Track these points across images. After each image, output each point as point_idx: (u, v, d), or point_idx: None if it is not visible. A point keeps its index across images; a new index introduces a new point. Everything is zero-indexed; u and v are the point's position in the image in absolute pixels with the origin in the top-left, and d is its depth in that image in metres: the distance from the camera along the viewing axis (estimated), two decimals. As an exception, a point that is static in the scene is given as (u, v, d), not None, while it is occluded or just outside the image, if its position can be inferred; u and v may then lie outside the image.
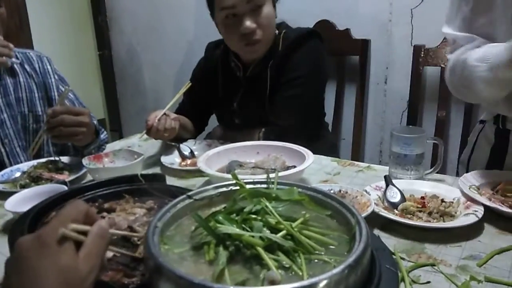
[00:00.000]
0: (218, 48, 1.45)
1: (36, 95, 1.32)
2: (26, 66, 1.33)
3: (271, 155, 1.12)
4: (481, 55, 0.87)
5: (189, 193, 0.64)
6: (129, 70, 2.54)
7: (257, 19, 1.21)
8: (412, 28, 1.59)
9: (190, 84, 1.35)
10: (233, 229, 0.50)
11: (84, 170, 1.10)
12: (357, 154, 1.76)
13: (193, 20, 2.17)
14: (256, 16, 1.21)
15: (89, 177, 1.12)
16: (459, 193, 0.90)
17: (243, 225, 0.53)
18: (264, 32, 1.23)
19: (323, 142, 1.45)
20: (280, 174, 0.93)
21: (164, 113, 1.22)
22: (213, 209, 0.61)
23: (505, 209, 0.82)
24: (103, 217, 0.75)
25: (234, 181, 0.64)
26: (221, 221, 0.54)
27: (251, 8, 1.20)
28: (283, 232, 0.53)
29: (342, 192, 0.92)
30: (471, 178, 0.95)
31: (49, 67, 1.37)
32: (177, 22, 2.23)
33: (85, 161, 1.10)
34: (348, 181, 1.08)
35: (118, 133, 2.85)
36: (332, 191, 0.93)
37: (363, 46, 1.67)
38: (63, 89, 1.36)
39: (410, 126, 1.09)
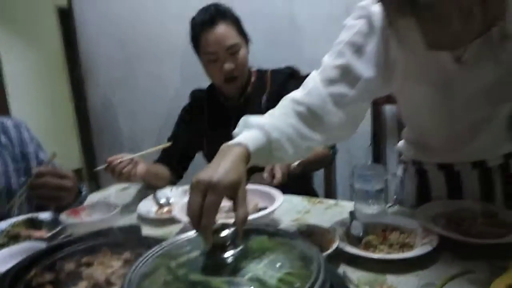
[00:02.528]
0: (202, 92, 1.61)
1: (11, 168, 1.31)
2: (2, 138, 1.32)
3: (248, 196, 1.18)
4: None
5: (163, 244, 0.69)
6: (106, 121, 2.59)
7: (235, 61, 1.44)
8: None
9: (169, 144, 1.44)
10: (201, 277, 0.55)
11: (62, 226, 1.12)
12: (329, 190, 1.83)
13: (168, 69, 2.27)
14: (234, 59, 1.43)
15: (68, 231, 1.14)
16: (417, 224, 0.97)
17: (213, 272, 0.58)
18: (241, 70, 1.46)
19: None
20: (252, 216, 1.00)
21: (132, 159, 1.30)
22: (187, 257, 0.66)
23: (458, 236, 0.90)
24: (82, 272, 0.79)
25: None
26: (192, 270, 0.58)
27: (230, 53, 1.42)
28: (250, 274, 0.58)
29: (309, 229, 0.98)
30: (427, 209, 1.03)
31: (26, 135, 1.36)
32: (152, 72, 2.32)
33: (63, 216, 1.13)
34: (317, 218, 1.14)
35: (95, 183, 2.85)
36: (300, 230, 0.99)
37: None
38: (42, 156, 1.37)
39: (370, 163, 1.18)
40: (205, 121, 1.56)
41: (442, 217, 1.00)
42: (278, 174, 1.23)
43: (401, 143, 1.19)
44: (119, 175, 1.29)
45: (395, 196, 1.12)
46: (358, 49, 0.90)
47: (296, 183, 1.49)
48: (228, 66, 1.43)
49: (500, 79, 0.88)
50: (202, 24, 1.42)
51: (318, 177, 1.83)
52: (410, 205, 1.15)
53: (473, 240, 0.87)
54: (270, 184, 1.22)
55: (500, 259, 0.82)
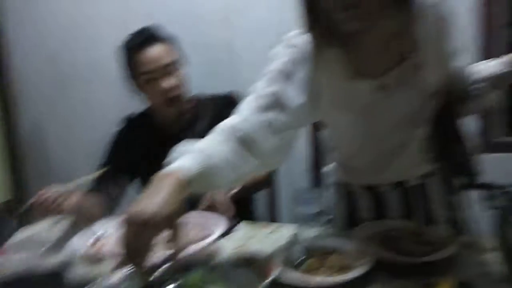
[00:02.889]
0: (135, 118, 1.53)
1: None
2: None
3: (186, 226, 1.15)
4: None
5: (94, 285, 0.65)
6: (36, 149, 2.44)
7: (174, 80, 1.42)
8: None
9: (105, 170, 1.37)
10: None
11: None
12: (273, 214, 1.84)
13: (102, 94, 2.19)
14: (173, 77, 1.41)
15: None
16: (353, 245, 1.00)
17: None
18: (181, 89, 1.44)
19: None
20: (193, 247, 0.97)
21: (64, 190, 1.22)
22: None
23: (391, 256, 0.93)
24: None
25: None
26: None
27: (168, 72, 1.40)
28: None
29: (252, 257, 0.98)
30: (363, 230, 1.07)
31: None
32: (85, 97, 2.23)
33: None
34: (261, 244, 1.14)
35: (25, 216, 2.65)
36: (242, 258, 0.98)
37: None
38: None
39: (310, 186, 1.21)
40: (140, 148, 1.50)
41: (376, 237, 1.04)
42: (224, 207, 1.22)
43: (330, 166, 1.24)
44: (50, 209, 1.20)
45: (330, 218, 1.16)
46: (288, 77, 0.94)
47: (240, 209, 1.49)
48: (166, 83, 1.39)
49: (415, 105, 0.96)
50: (137, 44, 1.40)
51: (262, 202, 1.84)
52: (341, 226, 1.19)
53: (404, 259, 0.92)
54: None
55: (431, 276, 0.87)
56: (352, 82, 0.93)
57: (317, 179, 1.68)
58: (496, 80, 0.96)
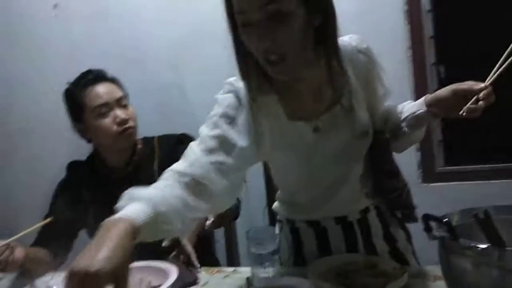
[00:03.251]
0: (79, 165, 1.47)
1: None
2: None
3: (136, 277, 1.10)
4: None
5: None
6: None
7: (126, 113, 1.40)
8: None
9: (50, 219, 1.30)
10: None
11: None
12: (231, 255, 1.81)
13: (49, 144, 2.12)
14: (125, 110, 1.41)
15: None
16: (308, 283, 1.00)
17: None
18: (134, 122, 1.42)
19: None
20: (145, 297, 0.93)
21: (8, 244, 1.14)
22: None
23: (345, 291, 0.95)
24: None
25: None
26: None
27: (120, 105, 1.40)
28: None
29: (207, 304, 0.95)
30: (318, 266, 1.08)
31: None
32: (32, 148, 2.15)
33: None
34: (216, 289, 1.12)
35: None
36: (197, 306, 0.95)
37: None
38: None
39: (266, 225, 1.21)
40: (87, 196, 1.44)
41: (331, 272, 1.05)
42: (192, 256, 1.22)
43: (276, 203, 1.26)
44: None
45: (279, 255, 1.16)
46: (231, 121, 0.97)
47: (200, 251, 1.46)
48: (122, 113, 1.38)
49: (349, 144, 1.03)
50: (86, 83, 1.39)
51: (220, 243, 1.81)
52: (289, 263, 1.20)
53: (358, 293, 0.93)
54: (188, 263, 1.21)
55: (382, 308, 0.88)
56: (290, 123, 0.99)
57: (274, 217, 1.68)
58: (413, 121, 1.03)
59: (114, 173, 1.44)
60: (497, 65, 0.93)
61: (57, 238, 1.39)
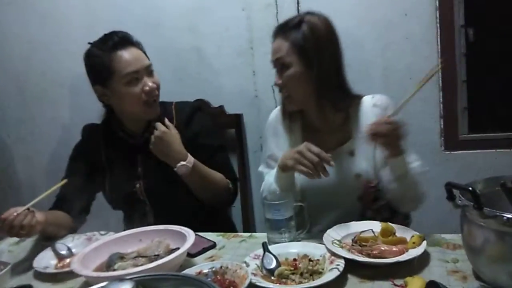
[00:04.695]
0: (95, 128, 1.46)
1: None
2: None
3: (155, 240, 1.12)
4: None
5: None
6: (1, 166, 2.34)
7: (154, 81, 1.35)
8: (276, 102, 1.79)
9: (66, 181, 1.31)
10: None
11: None
12: (247, 222, 1.83)
13: (66, 108, 2.13)
14: (153, 79, 1.36)
15: None
16: (325, 249, 1.00)
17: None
18: (158, 91, 1.37)
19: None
20: (161, 261, 0.95)
21: (28, 209, 1.16)
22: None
23: (361, 258, 0.94)
24: None
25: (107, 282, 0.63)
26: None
27: (148, 73, 1.35)
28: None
29: (223, 268, 0.96)
30: (333, 233, 1.07)
31: None
32: (49, 112, 2.16)
33: None
34: (232, 252, 1.13)
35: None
36: (214, 269, 0.96)
37: (237, 120, 1.82)
38: None
39: (279, 192, 1.20)
40: (103, 159, 1.43)
41: (348, 239, 1.05)
42: None
43: None
44: (20, 229, 1.14)
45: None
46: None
47: (211, 218, 1.47)
48: (151, 84, 1.32)
49: (345, 179, 1.22)
50: (113, 47, 1.30)
51: (236, 210, 1.82)
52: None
53: (374, 260, 0.92)
54: None
55: (400, 276, 0.88)
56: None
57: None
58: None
59: (132, 138, 1.42)
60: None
61: (74, 201, 1.41)
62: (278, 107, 1.36)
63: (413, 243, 0.97)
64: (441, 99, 1.69)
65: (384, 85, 1.72)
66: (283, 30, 1.19)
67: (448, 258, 0.96)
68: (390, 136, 1.05)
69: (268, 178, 1.26)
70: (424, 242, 0.96)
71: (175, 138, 1.31)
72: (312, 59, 1.15)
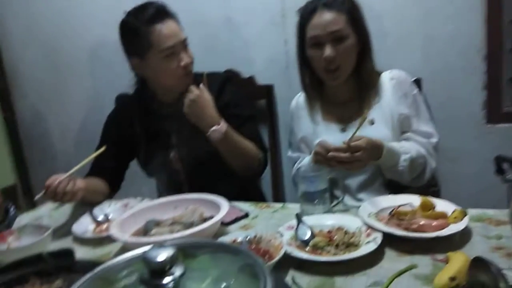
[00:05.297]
0: (128, 98, 1.47)
1: None
2: None
3: (189, 208, 1.13)
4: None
5: (98, 269, 0.63)
6: (36, 134, 2.41)
7: (189, 54, 1.35)
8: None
9: (104, 148, 1.33)
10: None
11: (-15, 255, 1.01)
12: (277, 194, 1.83)
13: (100, 78, 2.15)
14: (188, 52, 1.35)
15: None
16: (361, 222, 0.98)
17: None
18: (192, 64, 1.37)
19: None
20: (198, 228, 0.96)
21: (69, 176, 1.20)
22: (123, 283, 0.61)
23: (400, 232, 0.91)
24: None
25: (148, 247, 0.64)
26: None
27: (184, 46, 1.34)
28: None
29: (257, 237, 0.96)
30: (370, 206, 1.05)
31: None
32: (81, 82, 2.19)
33: (-14, 244, 1.02)
34: (265, 222, 1.13)
35: (31, 201, 2.65)
36: (248, 238, 0.96)
37: (268, 91, 1.78)
38: None
39: (313, 164, 1.18)
40: (136, 128, 1.44)
41: (384, 212, 1.02)
42: None
43: None
44: (63, 196, 1.18)
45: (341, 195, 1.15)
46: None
47: (243, 188, 1.47)
48: (186, 57, 1.33)
49: None
50: (151, 20, 1.28)
51: (267, 182, 1.82)
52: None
53: (414, 235, 0.90)
54: None
55: (440, 251, 0.85)
56: (325, 124, 1.34)
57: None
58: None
59: (164, 109, 1.42)
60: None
61: (109, 168, 1.44)
62: (297, 95, 1.44)
63: (455, 217, 0.93)
64: (485, 69, 1.60)
65: (424, 55, 1.64)
66: (335, 2, 1.22)
67: (491, 234, 0.92)
68: (349, 163, 1.08)
69: (302, 165, 1.31)
70: (467, 217, 0.93)
71: (208, 102, 1.30)
72: (363, 31, 1.25)
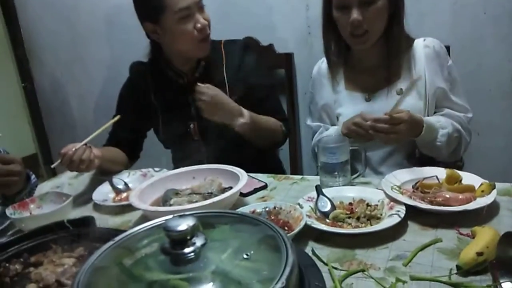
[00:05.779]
0: (142, 66, 1.45)
1: None
2: None
3: (208, 178, 1.12)
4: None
5: (119, 237, 0.63)
6: (55, 103, 2.43)
7: (205, 16, 1.30)
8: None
9: (119, 117, 1.32)
10: (159, 275, 0.50)
11: (8, 221, 1.03)
12: (295, 165, 1.81)
13: (117, 47, 2.12)
14: (204, 14, 1.30)
15: (16, 227, 1.05)
16: (383, 194, 0.96)
17: (173, 268, 0.53)
18: (209, 28, 1.32)
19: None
20: (217, 198, 0.95)
21: (86, 144, 1.19)
22: (144, 252, 0.60)
23: (424, 205, 0.89)
24: (30, 273, 0.72)
25: (168, 216, 0.63)
26: (149, 267, 0.53)
27: (200, 8, 1.28)
28: (213, 267, 0.53)
29: (276, 208, 0.95)
30: (393, 178, 1.02)
31: None
32: (101, 50, 2.17)
33: (9, 210, 1.03)
34: (284, 194, 1.12)
35: (51, 169, 2.70)
36: (267, 209, 0.95)
37: (287, 59, 1.73)
38: None
39: (334, 135, 1.15)
40: (152, 98, 1.41)
41: (408, 185, 0.99)
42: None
43: None
44: (79, 164, 1.17)
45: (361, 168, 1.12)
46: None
47: (261, 159, 1.45)
48: (203, 21, 1.27)
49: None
50: None
51: (284, 153, 1.80)
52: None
53: (439, 208, 0.87)
54: None
55: (466, 225, 0.83)
56: (350, 93, 1.29)
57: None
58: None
59: (181, 78, 1.39)
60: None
61: (125, 138, 1.44)
62: (320, 61, 1.38)
63: (482, 191, 0.90)
64: (517, 37, 1.51)
65: (454, 20, 1.56)
66: None
67: (521, 208, 0.89)
68: (388, 135, 1.05)
69: (325, 135, 1.28)
70: (494, 191, 0.90)
71: (222, 96, 1.26)
72: None
